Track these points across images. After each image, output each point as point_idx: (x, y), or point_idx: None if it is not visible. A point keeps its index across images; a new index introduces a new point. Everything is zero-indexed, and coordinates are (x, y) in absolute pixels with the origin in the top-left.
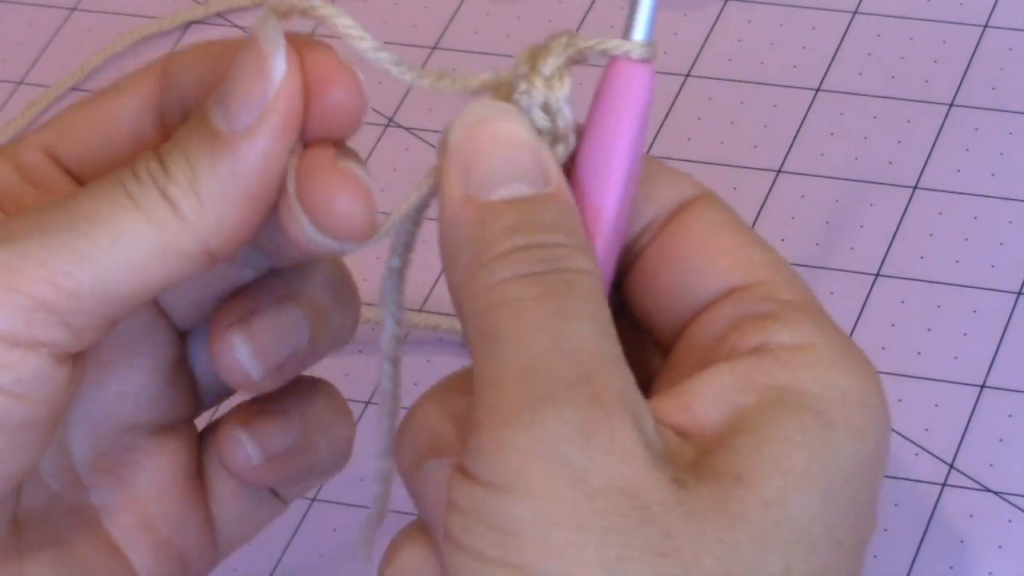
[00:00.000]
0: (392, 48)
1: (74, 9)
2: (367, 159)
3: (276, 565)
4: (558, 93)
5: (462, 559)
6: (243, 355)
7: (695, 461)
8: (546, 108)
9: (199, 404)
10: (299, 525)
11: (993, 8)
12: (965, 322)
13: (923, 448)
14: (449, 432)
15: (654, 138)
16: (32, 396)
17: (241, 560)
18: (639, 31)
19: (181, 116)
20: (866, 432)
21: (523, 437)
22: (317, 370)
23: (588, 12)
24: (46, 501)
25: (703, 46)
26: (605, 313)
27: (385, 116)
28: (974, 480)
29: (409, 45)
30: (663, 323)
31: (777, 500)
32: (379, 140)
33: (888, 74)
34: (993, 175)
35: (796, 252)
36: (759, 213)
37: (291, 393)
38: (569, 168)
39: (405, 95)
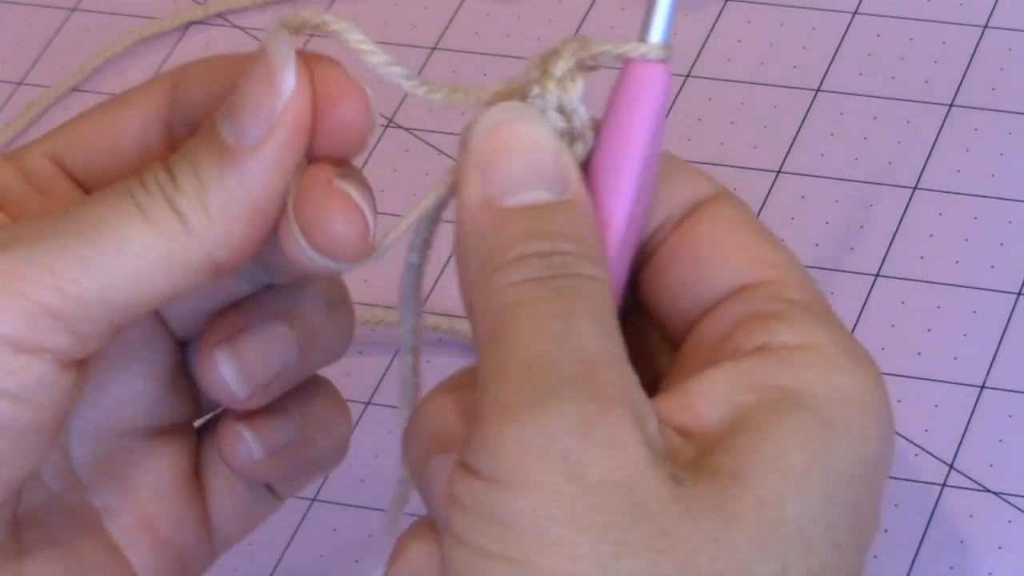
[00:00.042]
0: (393, 50)
1: (74, 9)
2: (367, 159)
3: (276, 565)
4: (571, 94)
5: (461, 553)
6: (228, 374)
7: (695, 460)
8: (561, 109)
9: (199, 409)
10: (299, 525)
11: (993, 8)
12: (965, 322)
13: (923, 448)
14: (457, 428)
15: None
16: (36, 401)
17: (241, 560)
18: (656, 33)
19: (188, 129)
20: (868, 434)
21: (522, 431)
22: None
23: (588, 12)
24: (46, 502)
25: (703, 46)
26: (610, 317)
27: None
28: (974, 480)
29: (409, 45)
30: (674, 320)
31: (774, 500)
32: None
33: (888, 74)
34: (993, 175)
35: (796, 252)
36: (759, 213)
37: (291, 390)
38: (586, 167)
39: (405, 96)
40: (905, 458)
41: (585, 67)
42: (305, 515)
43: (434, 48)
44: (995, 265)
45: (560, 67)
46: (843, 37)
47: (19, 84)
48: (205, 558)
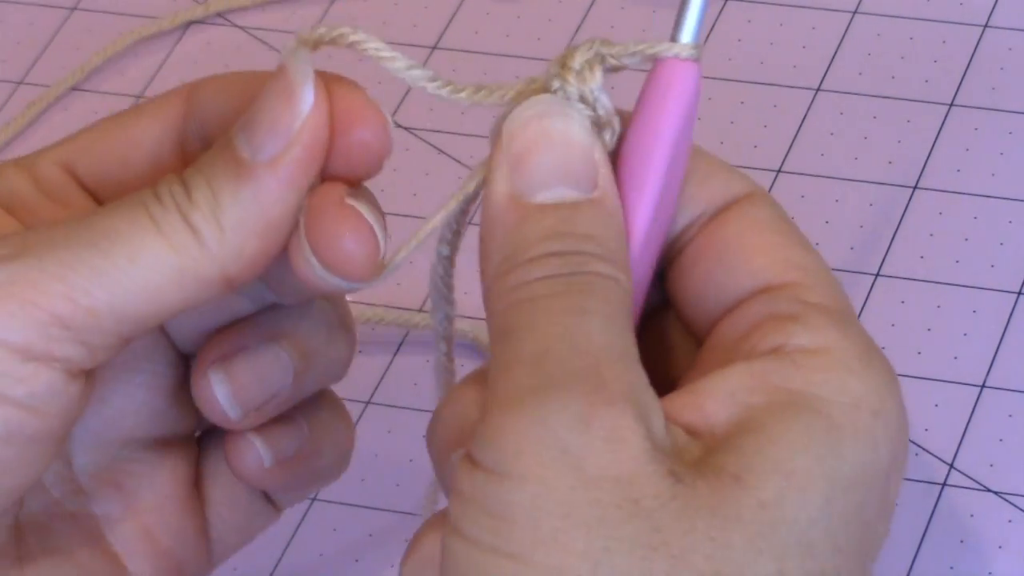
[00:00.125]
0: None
1: (74, 9)
2: None
3: (276, 565)
4: (591, 84)
5: (459, 545)
6: (222, 395)
7: (700, 459)
8: (583, 99)
9: (200, 420)
10: (299, 525)
11: (993, 8)
12: (965, 322)
13: (923, 448)
14: (477, 422)
15: None
16: (44, 410)
17: (241, 560)
18: (687, 33)
19: (202, 144)
20: (878, 441)
21: (523, 422)
22: None
23: (588, 12)
24: (47, 508)
25: (703, 46)
26: (622, 315)
27: None
28: (974, 480)
29: (409, 45)
30: (698, 319)
31: (775, 502)
32: None
33: (888, 74)
34: (993, 175)
35: None
36: None
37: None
38: (615, 159)
39: (405, 95)
40: None
41: (609, 66)
42: (305, 515)
43: (434, 48)
44: (995, 265)
45: (578, 60)
46: (843, 37)
47: (19, 84)
48: (203, 568)
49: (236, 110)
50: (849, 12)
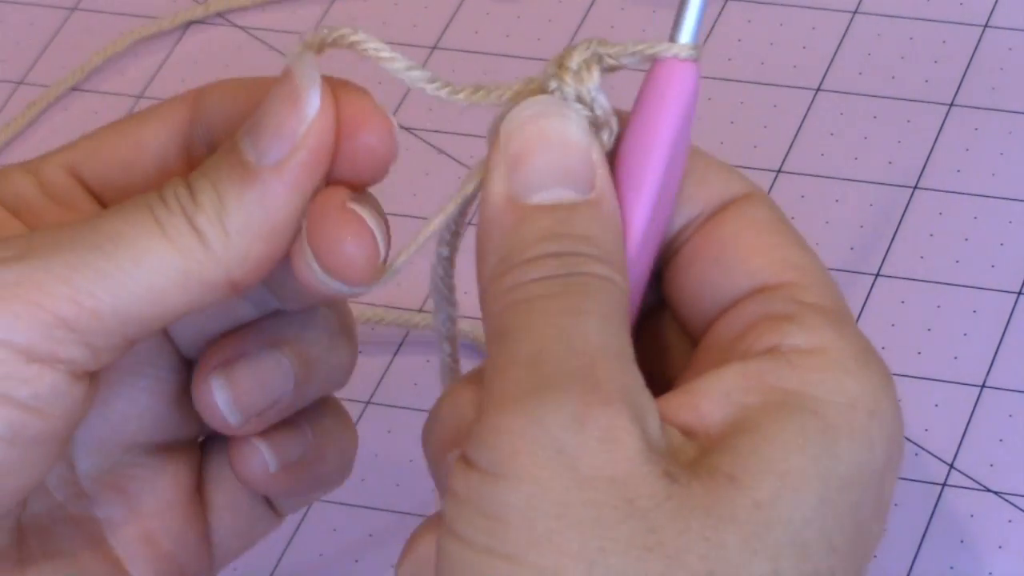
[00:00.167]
0: (393, 49)
1: (74, 9)
2: None
3: (276, 565)
4: (588, 84)
5: (454, 546)
6: (222, 401)
7: (695, 459)
8: (580, 99)
9: (203, 425)
10: (299, 525)
11: (993, 8)
12: (965, 322)
13: (923, 448)
14: (472, 423)
15: None
16: (47, 411)
17: (241, 560)
18: (686, 34)
19: (208, 148)
20: (873, 441)
21: (519, 423)
22: None
23: (588, 12)
24: (50, 511)
25: (703, 46)
26: (618, 316)
27: None
28: (974, 480)
29: (409, 45)
30: (694, 319)
31: (769, 502)
32: None
33: (888, 74)
34: (993, 175)
35: None
36: None
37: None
38: (611, 160)
39: (405, 95)
40: (905, 457)
41: (606, 66)
42: (305, 515)
43: (434, 48)
44: (995, 265)
45: (575, 60)
46: (843, 37)
47: (19, 84)
48: (204, 573)
49: (242, 114)
50: (849, 12)
